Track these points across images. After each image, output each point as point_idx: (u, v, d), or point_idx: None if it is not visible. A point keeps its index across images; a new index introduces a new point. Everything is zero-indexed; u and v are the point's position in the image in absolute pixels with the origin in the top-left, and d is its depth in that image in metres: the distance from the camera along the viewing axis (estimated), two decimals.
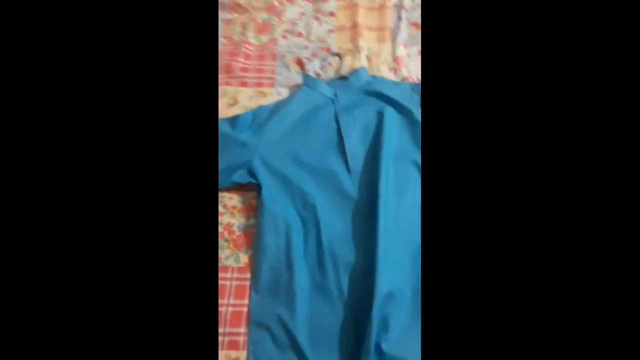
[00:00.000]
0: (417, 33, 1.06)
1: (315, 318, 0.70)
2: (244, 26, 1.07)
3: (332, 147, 0.86)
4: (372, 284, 0.67)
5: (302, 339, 0.67)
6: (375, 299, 0.65)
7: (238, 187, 0.84)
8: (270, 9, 1.11)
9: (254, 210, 0.83)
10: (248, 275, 0.76)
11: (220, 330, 0.71)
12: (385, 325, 0.65)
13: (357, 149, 0.85)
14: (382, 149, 0.82)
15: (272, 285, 0.73)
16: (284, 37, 1.07)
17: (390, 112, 0.88)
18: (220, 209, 0.83)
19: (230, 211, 0.83)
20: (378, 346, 0.64)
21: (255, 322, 0.70)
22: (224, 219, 0.82)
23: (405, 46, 1.04)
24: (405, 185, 0.81)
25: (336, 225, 0.77)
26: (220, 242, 0.80)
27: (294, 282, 0.71)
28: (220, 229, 0.81)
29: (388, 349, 0.64)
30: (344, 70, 0.99)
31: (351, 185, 0.82)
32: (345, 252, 0.74)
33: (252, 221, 0.82)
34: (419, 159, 0.84)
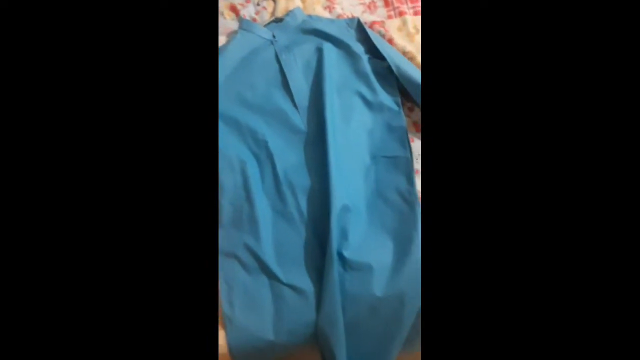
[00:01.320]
0: None
1: (279, 241, 0.74)
2: None
3: (277, 86, 0.88)
4: (328, 201, 0.72)
5: (270, 261, 0.71)
6: (332, 212, 0.70)
7: None
8: None
9: None
10: None
11: None
12: (344, 235, 0.71)
13: (301, 85, 0.88)
14: (324, 82, 0.85)
15: (235, 218, 0.75)
16: None
17: (328, 47, 0.91)
18: None
19: None
20: (340, 254, 0.69)
21: (223, 253, 0.73)
22: None
23: None
24: (351, 112, 0.85)
25: (290, 158, 0.81)
26: None
27: (255, 212, 0.74)
28: None
29: (350, 255, 0.69)
30: (279, 13, 1.00)
31: (300, 119, 0.85)
32: (301, 179, 0.78)
33: None
34: (361, 89, 0.88)
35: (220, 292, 0.71)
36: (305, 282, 0.70)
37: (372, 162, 0.81)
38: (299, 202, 0.76)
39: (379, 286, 0.68)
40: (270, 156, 0.80)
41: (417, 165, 0.82)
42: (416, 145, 0.85)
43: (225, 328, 0.69)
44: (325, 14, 1.01)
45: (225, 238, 0.74)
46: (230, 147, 0.81)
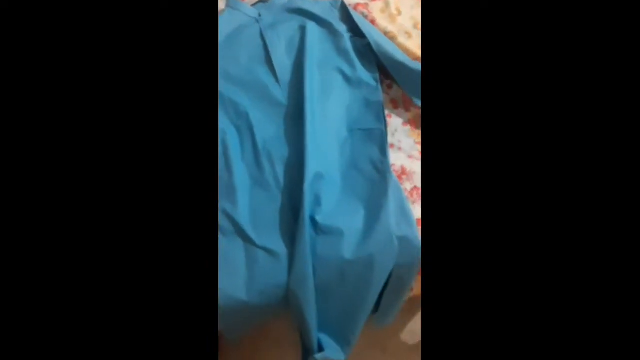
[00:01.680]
0: None
1: (256, 207, 0.76)
2: None
3: (260, 62, 0.90)
4: (303, 169, 0.75)
5: (245, 225, 0.74)
6: (306, 179, 0.73)
7: None
8: None
9: None
10: None
11: None
12: (317, 202, 0.73)
13: (283, 61, 0.90)
14: (306, 58, 0.88)
15: None
16: None
17: (311, 25, 0.93)
18: None
19: None
20: (313, 219, 0.72)
21: None
22: None
23: None
24: (331, 88, 0.88)
25: (269, 129, 0.83)
26: None
27: (233, 179, 0.77)
28: None
29: (322, 220, 0.72)
30: None
31: (281, 94, 0.87)
32: (279, 149, 0.81)
33: None
34: (341, 65, 0.91)
35: None
36: (279, 246, 0.72)
37: (349, 135, 0.83)
38: (276, 171, 0.79)
39: (348, 249, 0.70)
40: (250, 127, 0.82)
41: (392, 139, 0.84)
42: (393, 121, 0.87)
43: None
44: None
45: None
46: None
